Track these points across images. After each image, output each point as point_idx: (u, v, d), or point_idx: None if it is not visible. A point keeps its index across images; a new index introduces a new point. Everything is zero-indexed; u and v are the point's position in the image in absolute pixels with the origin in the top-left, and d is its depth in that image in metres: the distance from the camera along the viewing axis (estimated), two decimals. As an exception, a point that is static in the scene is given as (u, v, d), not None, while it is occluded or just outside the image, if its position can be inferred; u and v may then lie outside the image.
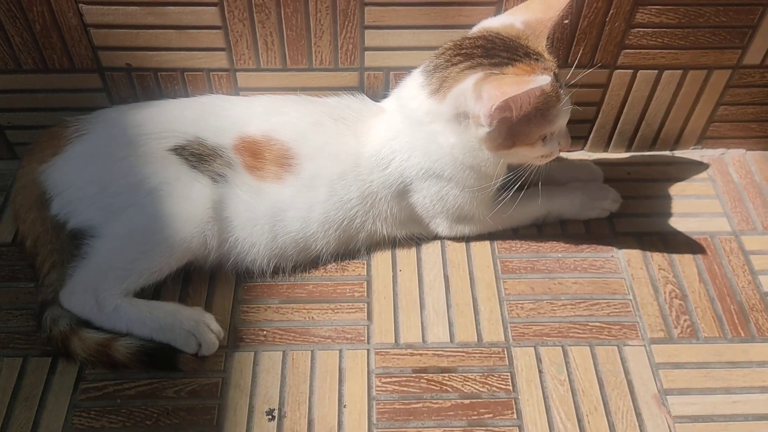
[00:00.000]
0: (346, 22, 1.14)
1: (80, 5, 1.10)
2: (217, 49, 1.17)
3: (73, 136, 1.13)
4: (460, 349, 1.10)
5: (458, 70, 1.02)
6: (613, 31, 1.16)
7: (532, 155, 1.08)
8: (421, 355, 1.10)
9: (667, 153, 1.40)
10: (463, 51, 1.03)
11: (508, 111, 0.99)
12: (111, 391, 1.04)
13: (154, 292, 1.13)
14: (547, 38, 1.05)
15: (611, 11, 1.13)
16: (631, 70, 1.23)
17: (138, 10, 1.11)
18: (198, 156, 1.11)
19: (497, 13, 1.12)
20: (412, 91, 1.08)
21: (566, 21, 1.14)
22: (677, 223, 1.28)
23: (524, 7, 1.07)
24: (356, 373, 1.07)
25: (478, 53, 1.02)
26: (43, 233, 1.14)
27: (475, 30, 1.08)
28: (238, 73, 1.21)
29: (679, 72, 1.24)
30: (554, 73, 1.01)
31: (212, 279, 1.18)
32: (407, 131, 1.11)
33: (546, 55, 1.04)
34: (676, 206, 1.31)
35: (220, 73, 1.21)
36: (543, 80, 0.93)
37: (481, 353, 1.10)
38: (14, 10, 1.10)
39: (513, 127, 1.02)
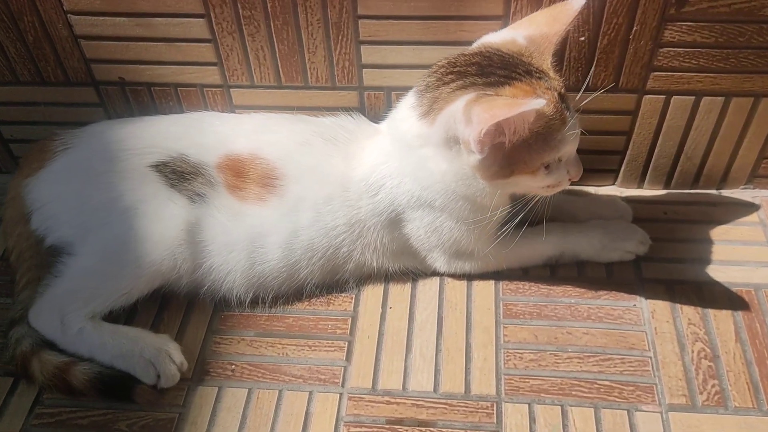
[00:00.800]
0: (340, 37, 1.06)
1: (69, 15, 1.07)
2: (208, 64, 1.12)
3: (59, 149, 1.10)
4: (444, 401, 0.98)
5: (449, 90, 0.92)
6: (639, 51, 1.03)
7: (536, 185, 0.96)
8: (398, 404, 0.98)
9: (713, 192, 1.24)
10: (456, 69, 0.93)
11: (501, 136, 0.87)
12: (64, 419, 0.98)
13: (127, 315, 1.07)
14: (554, 55, 0.93)
15: (635, 28, 1.00)
16: (663, 96, 1.09)
17: (126, 21, 1.07)
18: (179, 174, 1.05)
19: (504, 27, 1.01)
20: (404, 113, 0.99)
21: (582, 38, 1.02)
22: (717, 271, 1.12)
23: (528, 21, 0.96)
24: (323, 419, 0.97)
25: (473, 71, 0.91)
26: (26, 248, 1.11)
27: (474, 46, 0.97)
28: (232, 90, 1.16)
29: (721, 99, 1.09)
30: (558, 94, 0.90)
31: (189, 306, 1.11)
32: (398, 155, 1.01)
33: (551, 73, 0.92)
34: (718, 252, 1.14)
35: (214, 89, 1.16)
36: (537, 103, 0.82)
37: (466, 407, 0.97)
38: (6, 20, 1.09)
39: (510, 153, 0.90)
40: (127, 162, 1.06)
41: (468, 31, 1.03)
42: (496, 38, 0.96)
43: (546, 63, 0.93)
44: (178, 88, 1.16)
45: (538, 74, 0.91)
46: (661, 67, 1.05)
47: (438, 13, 1.03)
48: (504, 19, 1.02)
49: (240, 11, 1.04)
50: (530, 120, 0.86)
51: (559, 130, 0.90)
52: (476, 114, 0.85)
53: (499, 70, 0.90)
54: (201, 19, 1.06)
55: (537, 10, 0.99)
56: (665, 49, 1.03)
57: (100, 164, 1.07)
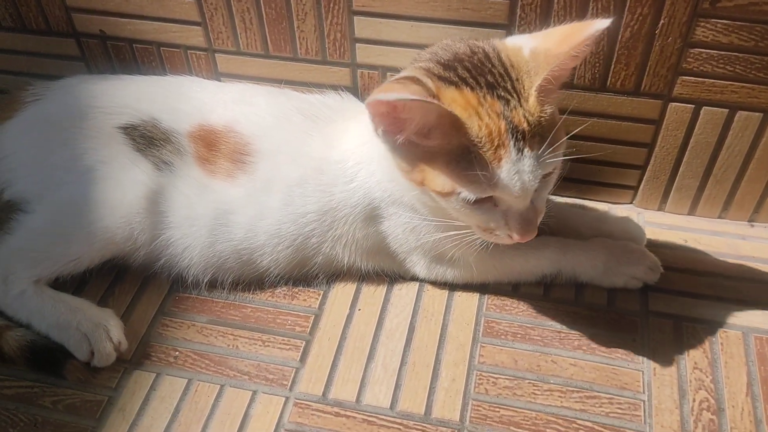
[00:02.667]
0: (331, 4, 0.96)
1: (50, -42, 1.01)
2: (191, 23, 1.04)
3: (29, 100, 1.03)
4: (399, 420, 0.87)
5: (414, 67, 0.80)
6: (666, 50, 0.90)
7: (463, 218, 0.82)
8: (347, 417, 0.87)
9: (743, 223, 1.09)
10: (437, 52, 0.81)
11: (400, 126, 0.75)
12: (-12, 387, 0.91)
13: (77, 286, 1.00)
14: (549, 80, 0.75)
15: (662, 21, 0.87)
16: (692, 105, 0.96)
17: (107, -33, 1.00)
18: (148, 138, 0.97)
19: (511, 8, 0.90)
20: None
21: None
22: (737, 314, 0.97)
23: (546, 33, 0.80)
24: (262, 424, 0.87)
25: (442, 60, 0.79)
26: (-14, 202, 1.05)
27: (485, 41, 0.84)
28: (217, 55, 1.07)
29: (759, 115, 0.95)
30: (512, 125, 0.74)
31: (144, 282, 1.03)
32: (375, 138, 0.90)
33: (530, 100, 0.75)
34: (741, 292, 1.00)
35: (198, 52, 1.08)
36: (402, 95, 0.70)
37: (424, 430, 0.86)
38: (-13, -41, 1.03)
39: (424, 158, 0.78)
40: (94, 120, 0.99)
41: (471, 9, 0.93)
42: (511, 42, 0.81)
43: (532, 86, 0.76)
44: (161, 48, 1.08)
45: (503, 93, 0.75)
46: (690, 71, 0.92)
47: (440, -14, 0.92)
48: (512, 0, 0.91)
49: (226, -33, 0.96)
50: (444, 126, 0.74)
51: (489, 166, 0.74)
52: (376, 89, 0.74)
53: (463, 70, 0.77)
54: (186, -28, 0.98)
55: (549, 3, 0.86)
56: (696, 50, 0.90)
57: (67, 120, 1.00)
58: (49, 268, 0.96)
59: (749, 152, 1.00)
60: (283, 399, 0.89)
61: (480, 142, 0.73)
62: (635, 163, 1.05)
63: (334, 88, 1.02)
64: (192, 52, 1.07)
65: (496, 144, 0.73)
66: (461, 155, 0.74)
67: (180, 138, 0.97)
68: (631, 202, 1.12)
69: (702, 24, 0.87)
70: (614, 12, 0.88)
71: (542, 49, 0.76)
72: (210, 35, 1.04)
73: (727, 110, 0.95)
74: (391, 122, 0.75)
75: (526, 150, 0.74)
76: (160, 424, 0.87)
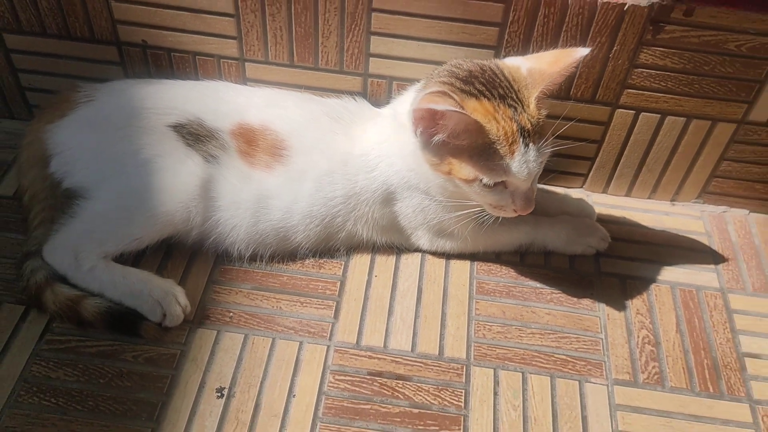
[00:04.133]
0: (353, 26, 1.17)
1: (104, -23, 1.16)
2: (228, 37, 1.22)
3: (82, 101, 1.18)
4: (419, 360, 1.10)
5: (435, 82, 1.03)
6: (617, 69, 1.17)
7: (478, 198, 1.06)
8: (379, 359, 1.10)
9: (666, 202, 1.38)
10: (453, 70, 1.04)
11: (438, 128, 0.98)
12: (73, 346, 1.07)
13: (134, 259, 1.16)
14: (543, 92, 1.00)
15: (615, 47, 1.14)
16: (634, 111, 1.23)
17: (157, -12, 1.16)
18: (195, 135, 1.14)
19: (500, 34, 1.14)
20: (410, 96, 1.10)
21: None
22: (665, 271, 1.26)
23: (537, 56, 1.05)
24: (312, 367, 1.08)
25: (461, 76, 1.02)
26: (40, 190, 1.18)
27: (488, 60, 1.06)
28: (247, 64, 1.25)
29: (682, 120, 1.23)
30: (520, 126, 0.98)
31: (192, 257, 1.20)
32: (395, 137, 1.12)
33: (531, 107, 0.99)
34: (666, 255, 1.29)
35: (230, 61, 1.25)
36: (447, 107, 0.92)
37: (439, 366, 1.10)
38: (45, -25, 1.17)
39: (451, 153, 1.01)
40: (148, 120, 1.15)
41: (469, 33, 1.16)
42: (509, 62, 1.05)
43: (531, 96, 0.99)
44: (197, 57, 1.25)
45: (512, 102, 0.98)
46: (634, 85, 1.19)
47: (444, 14, 1.14)
48: (501, 27, 1.15)
49: (266, -8, 1.15)
50: (471, 130, 0.96)
51: (504, 158, 0.98)
52: (418, 99, 0.97)
53: (479, 84, 1.00)
54: (229, -5, 1.16)
55: (533, 23, 1.12)
56: (639, 70, 1.17)
57: (122, 119, 1.15)
58: (114, 246, 1.12)
59: (674, 148, 1.28)
60: (325, 347, 1.11)
61: (498, 140, 0.97)
62: (587, 156, 1.32)
63: (347, 92, 1.23)
64: (225, 60, 1.25)
65: (510, 141, 0.97)
66: (483, 150, 0.98)
67: (223, 135, 1.15)
68: (581, 187, 1.39)
69: (645, 51, 1.14)
70: (580, 40, 1.13)
71: (537, 69, 1.01)
72: (243, 47, 1.22)
73: (659, 115, 1.23)
74: (429, 126, 0.97)
75: (530, 144, 0.99)
76: (228, 371, 1.06)
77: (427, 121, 0.97)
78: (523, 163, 0.99)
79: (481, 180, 1.00)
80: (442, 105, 0.93)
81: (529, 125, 0.98)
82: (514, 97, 0.99)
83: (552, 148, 1.01)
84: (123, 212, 1.12)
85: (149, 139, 1.14)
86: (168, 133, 1.14)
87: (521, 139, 0.98)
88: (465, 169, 1.00)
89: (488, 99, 0.98)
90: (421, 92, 1.03)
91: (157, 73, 1.28)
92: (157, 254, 1.19)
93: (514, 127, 0.97)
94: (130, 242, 1.12)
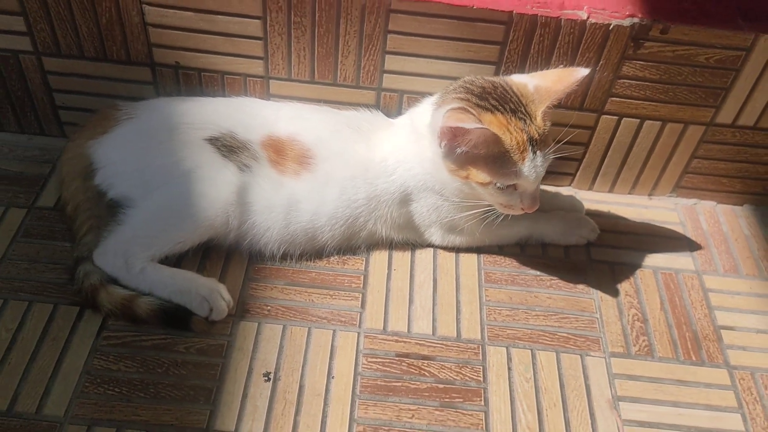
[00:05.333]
0: (371, 46, 1.30)
1: (144, 6, 1.27)
2: (256, 57, 1.34)
3: (123, 118, 1.29)
4: (440, 342, 1.24)
5: (452, 97, 1.17)
6: (602, 80, 1.33)
7: (491, 199, 1.20)
8: (405, 342, 1.23)
9: (645, 197, 1.55)
10: (467, 86, 1.18)
11: (459, 140, 1.11)
12: (129, 341, 1.18)
13: (176, 261, 1.27)
14: (550, 106, 1.15)
15: (601, 62, 1.30)
16: (617, 117, 1.39)
17: (193, 15, 1.28)
18: (229, 147, 1.26)
19: (501, 51, 1.29)
20: (425, 108, 1.24)
21: (562, 66, 1.30)
22: (647, 258, 1.43)
23: (541, 74, 1.20)
24: (346, 351, 1.21)
25: (476, 92, 1.16)
26: (84, 200, 1.29)
27: (497, 77, 1.20)
28: (271, 81, 1.38)
29: (659, 123, 1.40)
30: (529, 137, 1.12)
31: (227, 257, 1.32)
32: (412, 144, 1.26)
33: (538, 119, 1.13)
34: (648, 244, 1.45)
35: (255, 79, 1.37)
36: (474, 125, 1.07)
37: (458, 347, 1.23)
38: (86, 3, 1.27)
39: (469, 160, 1.14)
40: (186, 134, 1.26)
41: (473, 51, 1.30)
42: (516, 79, 1.19)
43: (538, 110, 1.14)
44: (225, 76, 1.37)
45: (522, 115, 1.13)
46: (617, 94, 1.36)
47: (452, 35, 1.28)
48: (502, 45, 1.29)
49: (292, 17, 1.27)
50: (488, 141, 1.10)
51: (516, 164, 1.12)
52: (445, 116, 1.10)
53: (493, 100, 1.14)
54: (258, 20, 1.28)
55: (530, 41, 1.27)
56: (622, 80, 1.33)
57: (163, 134, 1.26)
58: (161, 249, 1.23)
59: (651, 148, 1.45)
60: (356, 334, 1.23)
61: (511, 149, 1.12)
62: (575, 157, 1.47)
63: (361, 105, 1.37)
64: (251, 78, 1.37)
65: (521, 149, 1.12)
66: (497, 158, 1.13)
67: (254, 146, 1.27)
68: (570, 185, 1.54)
69: (627, 64, 1.31)
70: (571, 56, 1.29)
71: (543, 87, 1.16)
72: (269, 66, 1.35)
73: (639, 120, 1.40)
74: (453, 139, 1.11)
75: (538, 152, 1.13)
76: (272, 357, 1.18)
77: (452, 136, 1.11)
78: (532, 168, 1.13)
79: (495, 183, 1.15)
80: (469, 123, 1.07)
81: (536, 135, 1.13)
82: (524, 111, 1.13)
83: (554, 153, 1.16)
84: (169, 218, 1.23)
85: (188, 151, 1.25)
86: (205, 146, 1.26)
87: (530, 148, 1.12)
88: (481, 175, 1.14)
89: (501, 113, 1.13)
90: (440, 107, 1.17)
91: (186, 91, 1.39)
92: (196, 256, 1.30)
93: (525, 138, 1.12)
94: (174, 245, 1.23)
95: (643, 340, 1.28)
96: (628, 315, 1.32)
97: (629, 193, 1.55)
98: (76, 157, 1.30)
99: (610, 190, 1.54)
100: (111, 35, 1.32)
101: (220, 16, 1.28)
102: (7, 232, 1.32)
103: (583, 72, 1.14)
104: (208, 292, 1.21)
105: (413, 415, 1.13)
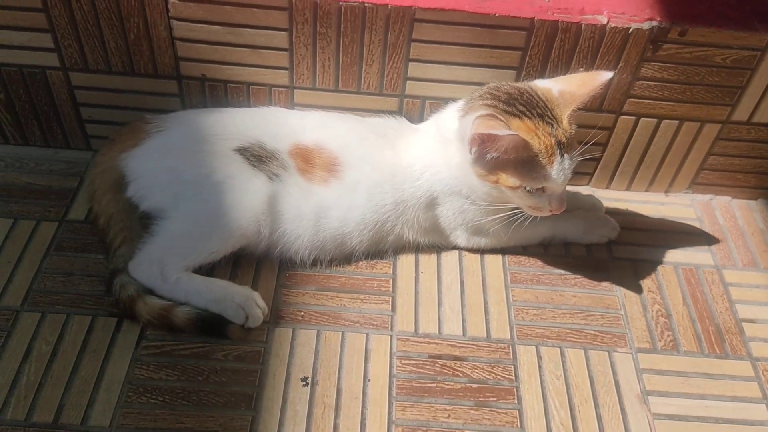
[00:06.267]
0: (394, 54, 1.33)
1: (172, 21, 1.29)
2: (281, 68, 1.36)
3: (153, 131, 1.32)
4: (471, 342, 1.27)
5: (480, 104, 1.20)
6: (621, 82, 1.36)
7: (519, 201, 1.23)
8: (437, 344, 1.26)
9: (662, 194, 1.58)
10: (493, 92, 1.21)
11: (490, 147, 1.14)
12: (168, 350, 1.20)
13: (208, 271, 1.29)
14: (575, 110, 1.18)
15: (620, 64, 1.33)
16: (634, 117, 1.42)
17: (220, 29, 1.30)
18: (258, 157, 1.29)
19: (522, 56, 1.32)
20: (451, 114, 1.27)
21: (582, 69, 1.33)
22: (667, 254, 1.46)
23: (565, 79, 1.23)
24: (380, 354, 1.23)
25: (502, 98, 1.18)
26: (116, 213, 1.31)
27: (521, 83, 1.24)
28: (296, 91, 1.40)
29: (676, 122, 1.43)
30: (557, 140, 1.15)
31: (258, 265, 1.34)
32: (438, 149, 1.28)
33: (564, 123, 1.16)
34: (667, 240, 1.48)
35: (280, 89, 1.40)
36: (505, 131, 1.10)
37: (489, 347, 1.26)
38: (114, 19, 1.29)
39: (499, 165, 1.17)
40: (215, 145, 1.29)
41: (495, 57, 1.33)
42: (540, 84, 1.23)
43: (564, 114, 1.17)
44: (251, 87, 1.39)
45: (549, 120, 1.16)
46: (635, 95, 1.38)
47: (474, 42, 1.31)
48: (523, 51, 1.32)
49: (318, 28, 1.29)
50: (518, 146, 1.13)
51: (545, 167, 1.15)
52: (475, 123, 1.13)
53: (520, 106, 1.17)
54: (284, 32, 1.31)
55: (551, 46, 1.30)
56: (641, 82, 1.36)
57: (193, 145, 1.29)
58: (195, 259, 1.25)
59: (668, 147, 1.48)
60: (389, 336, 1.26)
61: (540, 153, 1.15)
62: (594, 157, 1.50)
63: (384, 112, 1.40)
64: (276, 89, 1.39)
65: (549, 153, 1.15)
66: (526, 162, 1.15)
67: (283, 155, 1.30)
68: (587, 184, 1.57)
69: (645, 66, 1.33)
70: (591, 59, 1.32)
71: (568, 91, 1.19)
72: (294, 76, 1.37)
73: (656, 120, 1.42)
74: (482, 145, 1.14)
75: (565, 155, 1.16)
76: (308, 362, 1.21)
77: (481, 142, 1.14)
78: (560, 170, 1.16)
79: (524, 187, 1.18)
80: (500, 130, 1.10)
81: (564, 138, 1.16)
82: (550, 115, 1.16)
83: (581, 156, 1.18)
84: (202, 229, 1.26)
85: (219, 162, 1.27)
86: (234, 156, 1.28)
87: (558, 151, 1.15)
88: (511, 179, 1.17)
89: (529, 118, 1.15)
90: (467, 113, 1.19)
91: (212, 102, 1.41)
92: (227, 265, 1.32)
93: (553, 142, 1.15)
94: (208, 255, 1.26)
95: (668, 335, 1.31)
96: (652, 311, 1.35)
97: (646, 191, 1.58)
98: (108, 170, 1.32)
99: (628, 188, 1.57)
100: (138, 50, 1.34)
101: (247, 29, 1.30)
102: (40, 246, 1.34)
103: (606, 75, 1.17)
104: (243, 300, 1.23)
105: (449, 415, 1.16)
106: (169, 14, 1.28)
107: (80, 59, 1.36)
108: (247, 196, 1.26)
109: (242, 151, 1.29)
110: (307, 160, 1.30)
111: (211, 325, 1.22)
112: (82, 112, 1.45)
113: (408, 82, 1.38)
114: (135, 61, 1.36)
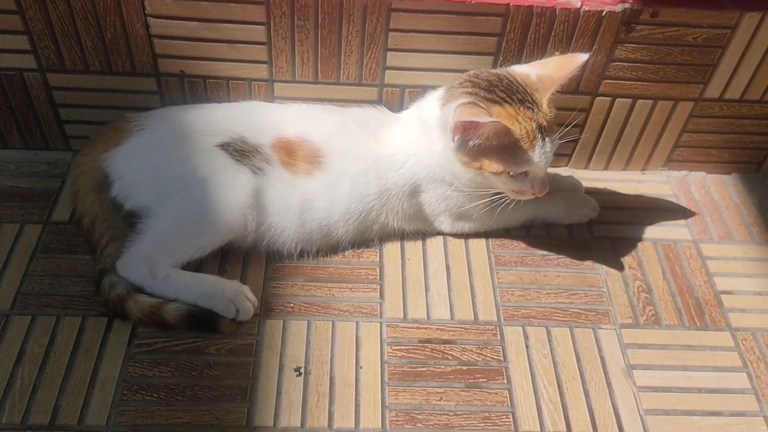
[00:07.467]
0: (372, 44, 1.34)
1: (149, 18, 1.29)
2: (260, 62, 1.37)
3: (134, 129, 1.32)
4: (459, 326, 1.29)
5: (460, 92, 1.21)
6: (596, 64, 1.38)
7: (503, 186, 1.25)
8: (426, 328, 1.28)
9: (638, 172, 1.61)
10: (473, 80, 1.23)
11: (472, 134, 1.16)
12: (161, 347, 1.21)
13: (196, 266, 1.30)
14: (554, 93, 1.20)
15: (595, 46, 1.35)
16: (610, 98, 1.45)
17: (197, 24, 1.30)
18: (241, 152, 1.29)
19: (498, 42, 1.34)
20: (432, 102, 1.28)
21: (557, 52, 1.35)
22: (646, 231, 1.49)
23: (542, 63, 1.25)
24: (370, 341, 1.25)
25: (482, 86, 1.20)
26: (101, 213, 1.31)
27: (500, 69, 1.26)
28: (275, 84, 1.41)
29: (650, 102, 1.46)
30: (538, 125, 1.17)
31: (246, 259, 1.35)
32: (420, 138, 1.30)
33: (544, 107, 1.18)
34: (645, 217, 1.52)
35: (260, 82, 1.40)
36: (487, 119, 1.11)
37: (477, 329, 1.29)
38: (90, 18, 1.29)
39: (482, 152, 1.19)
40: (198, 141, 1.29)
41: (472, 44, 1.35)
42: (518, 69, 1.24)
43: (544, 98, 1.19)
44: (230, 81, 1.40)
45: (529, 104, 1.17)
46: (611, 76, 1.41)
47: (451, 29, 1.32)
48: (499, 37, 1.34)
49: (295, 21, 1.30)
50: (500, 133, 1.15)
51: (527, 152, 1.18)
52: (457, 112, 1.14)
53: (500, 92, 1.19)
54: (262, 26, 1.31)
55: (527, 31, 1.32)
56: (615, 63, 1.39)
57: (175, 142, 1.29)
58: (182, 255, 1.26)
59: (643, 126, 1.51)
60: (378, 323, 1.28)
61: (521, 138, 1.17)
62: (572, 139, 1.52)
63: (364, 102, 1.41)
64: (255, 82, 1.40)
65: (531, 138, 1.17)
66: (508, 147, 1.17)
67: (265, 149, 1.30)
68: (566, 165, 1.60)
69: (619, 47, 1.36)
70: (566, 43, 1.34)
71: (546, 75, 1.21)
72: (273, 70, 1.38)
73: (631, 100, 1.45)
74: (464, 132, 1.16)
75: (546, 138, 1.18)
76: (301, 352, 1.22)
77: (464, 130, 1.16)
78: (542, 154, 1.18)
79: (508, 172, 1.20)
80: (482, 118, 1.11)
81: (544, 122, 1.18)
82: (530, 100, 1.18)
83: (561, 139, 1.21)
84: (189, 225, 1.26)
85: (202, 158, 1.28)
86: (218, 152, 1.29)
87: (539, 135, 1.17)
88: (494, 165, 1.19)
89: (509, 104, 1.17)
90: (448, 102, 1.21)
91: (191, 98, 1.41)
92: (215, 260, 1.33)
93: (534, 126, 1.17)
94: (196, 251, 1.27)
95: (650, 310, 1.35)
96: (634, 287, 1.38)
97: (623, 170, 1.61)
98: (90, 170, 1.32)
99: (605, 168, 1.60)
100: (116, 48, 1.33)
101: (224, 24, 1.30)
102: (26, 248, 1.34)
103: (583, 57, 1.19)
104: (234, 294, 1.24)
105: (441, 398, 1.19)
106: (146, 12, 1.28)
107: (57, 60, 1.35)
108: (233, 191, 1.27)
109: (225, 147, 1.29)
110: (290, 152, 1.31)
111: (203, 321, 1.23)
112: (61, 113, 1.45)
113: (387, 71, 1.39)
114: (113, 59, 1.35)
